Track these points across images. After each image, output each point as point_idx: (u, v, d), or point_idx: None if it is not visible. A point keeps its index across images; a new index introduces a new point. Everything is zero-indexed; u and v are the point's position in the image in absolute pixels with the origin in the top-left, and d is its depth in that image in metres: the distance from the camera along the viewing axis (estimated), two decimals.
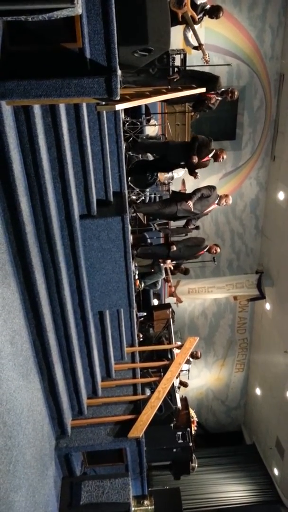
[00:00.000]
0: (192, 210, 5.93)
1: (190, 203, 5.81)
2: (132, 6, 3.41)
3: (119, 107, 3.27)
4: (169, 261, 7.15)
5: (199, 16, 5.50)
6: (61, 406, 4.64)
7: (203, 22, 5.86)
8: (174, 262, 7.45)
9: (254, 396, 14.40)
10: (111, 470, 5.64)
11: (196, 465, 7.81)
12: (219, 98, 5.78)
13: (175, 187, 8.57)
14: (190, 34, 5.68)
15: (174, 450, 6.93)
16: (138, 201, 6.66)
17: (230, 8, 9.55)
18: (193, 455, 7.43)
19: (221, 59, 9.79)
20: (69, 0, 2.05)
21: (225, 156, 5.99)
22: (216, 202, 6.19)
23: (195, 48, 5.79)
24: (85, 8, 2.56)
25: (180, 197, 6.18)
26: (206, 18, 5.70)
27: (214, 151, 5.89)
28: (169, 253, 6.66)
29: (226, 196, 6.25)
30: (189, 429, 6.94)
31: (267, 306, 12.36)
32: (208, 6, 5.52)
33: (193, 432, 7.13)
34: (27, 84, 2.56)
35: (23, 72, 2.61)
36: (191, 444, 6.90)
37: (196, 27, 5.48)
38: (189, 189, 8.79)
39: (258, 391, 13.92)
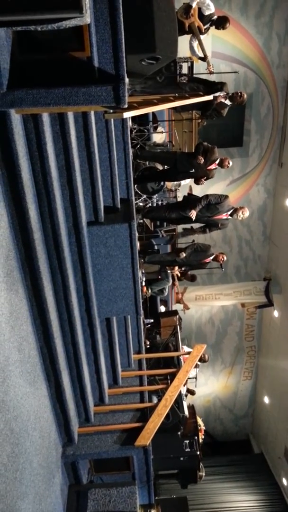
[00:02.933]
0: (193, 219, 5.92)
1: (194, 212, 5.82)
2: (140, 14, 3.44)
3: (127, 115, 3.29)
4: (176, 267, 7.15)
5: (205, 27, 5.54)
6: (68, 413, 4.63)
7: (210, 30, 5.89)
8: (182, 268, 7.45)
9: (262, 405, 14.24)
10: (118, 478, 5.61)
11: (204, 474, 7.73)
12: (228, 103, 5.77)
13: (182, 193, 8.57)
14: (196, 44, 5.73)
15: (181, 458, 6.87)
16: (146, 208, 6.70)
17: (237, 16, 9.61)
18: (201, 464, 7.36)
19: (228, 66, 9.84)
20: (77, 9, 2.07)
21: (230, 163, 6.03)
22: (229, 213, 6.03)
23: (201, 58, 5.84)
24: (93, 17, 2.58)
25: (190, 200, 6.19)
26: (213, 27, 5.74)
27: (219, 159, 5.96)
28: (176, 260, 6.67)
29: (242, 208, 5.99)
30: (196, 437, 6.89)
31: (275, 313, 12.27)
32: (215, 17, 5.55)
33: (200, 440, 7.07)
34: (36, 92, 2.58)
35: (32, 81, 2.64)
36: (198, 452, 6.84)
37: (202, 37, 5.52)
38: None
39: (266, 400, 13.77)
